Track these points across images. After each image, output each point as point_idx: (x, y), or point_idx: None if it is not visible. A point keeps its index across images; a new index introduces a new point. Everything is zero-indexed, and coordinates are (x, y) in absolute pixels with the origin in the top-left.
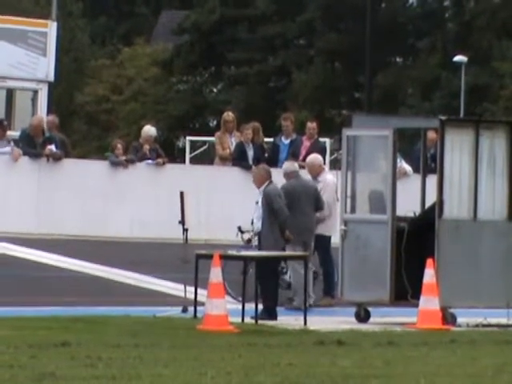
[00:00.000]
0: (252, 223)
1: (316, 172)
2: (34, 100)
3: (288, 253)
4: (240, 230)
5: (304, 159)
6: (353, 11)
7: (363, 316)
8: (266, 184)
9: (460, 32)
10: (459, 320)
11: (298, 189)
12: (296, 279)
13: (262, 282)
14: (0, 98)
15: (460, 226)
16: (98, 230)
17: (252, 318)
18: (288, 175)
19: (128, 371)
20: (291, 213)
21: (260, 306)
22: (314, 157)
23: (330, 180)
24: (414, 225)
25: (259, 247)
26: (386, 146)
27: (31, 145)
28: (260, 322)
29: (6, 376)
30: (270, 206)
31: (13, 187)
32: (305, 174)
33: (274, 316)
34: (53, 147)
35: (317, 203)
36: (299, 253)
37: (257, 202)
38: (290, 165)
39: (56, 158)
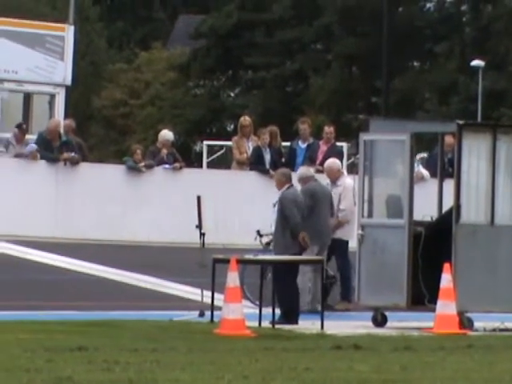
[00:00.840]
0: (271, 226)
1: (335, 176)
2: (51, 104)
3: (304, 257)
4: (259, 233)
5: (321, 164)
6: (370, 15)
7: (380, 320)
8: (285, 187)
9: (477, 36)
10: (476, 325)
11: (319, 192)
12: (303, 283)
13: (280, 286)
14: (18, 102)
15: (477, 230)
16: (115, 234)
17: (270, 322)
18: (303, 180)
19: (145, 375)
20: (312, 215)
21: (277, 311)
22: (332, 161)
23: (349, 184)
24: (431, 229)
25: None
26: (403, 150)
27: (48, 148)
28: (277, 326)
29: (24, 380)
30: (282, 211)
31: (30, 191)
32: (322, 179)
33: (293, 320)
34: (70, 153)
35: (331, 209)
36: (315, 257)
37: (274, 205)
38: (305, 170)
39: (73, 163)
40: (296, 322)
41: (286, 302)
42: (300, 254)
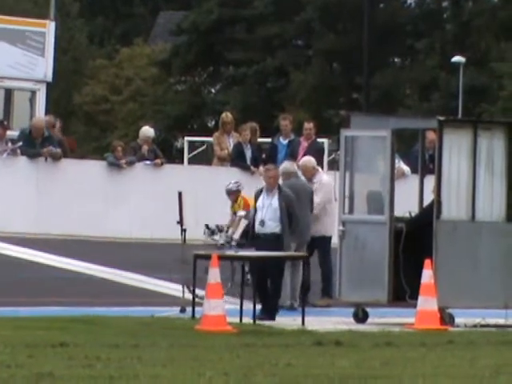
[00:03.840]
0: (262, 224)
1: (310, 174)
2: (32, 100)
3: (287, 253)
4: (207, 227)
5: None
6: (351, 12)
7: (361, 316)
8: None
9: (458, 33)
10: (457, 320)
11: (300, 189)
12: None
13: (272, 281)
14: None
15: (458, 226)
16: (97, 230)
17: (258, 317)
18: (285, 175)
19: (126, 371)
20: None
21: (258, 306)
22: (307, 159)
23: (325, 180)
24: (412, 225)
25: (269, 247)
26: (384, 146)
27: (31, 145)
28: (258, 322)
29: (4, 375)
30: (289, 209)
31: (11, 187)
32: (301, 176)
33: (274, 315)
34: (52, 148)
35: (311, 205)
36: (297, 253)
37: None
38: (289, 165)
39: (55, 158)
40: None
41: (270, 298)
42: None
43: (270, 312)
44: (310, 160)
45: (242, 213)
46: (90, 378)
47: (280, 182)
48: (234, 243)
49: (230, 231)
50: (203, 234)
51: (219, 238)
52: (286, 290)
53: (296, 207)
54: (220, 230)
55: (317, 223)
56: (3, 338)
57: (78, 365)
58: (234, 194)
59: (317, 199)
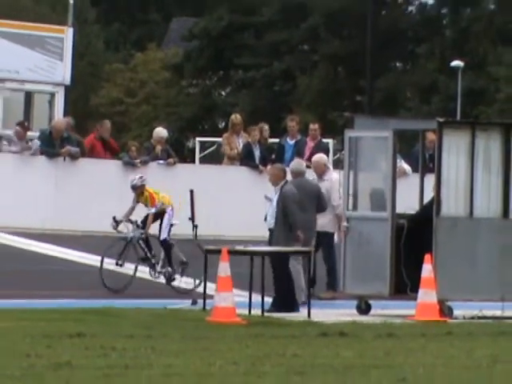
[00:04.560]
0: (265, 219)
1: (321, 171)
2: (51, 102)
3: (292, 248)
4: (115, 219)
5: (308, 159)
6: (354, 18)
7: (364, 308)
8: (282, 183)
9: (457, 38)
10: (456, 312)
11: (307, 188)
12: (294, 275)
13: (280, 275)
14: (19, 101)
15: (457, 223)
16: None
17: (268, 311)
18: (295, 173)
19: (140, 361)
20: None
21: (266, 299)
22: (319, 156)
23: (335, 179)
24: (413, 222)
25: (270, 242)
26: (386, 146)
27: (50, 145)
28: (266, 314)
29: (24, 365)
30: (284, 207)
31: (31, 184)
32: (310, 174)
33: (291, 308)
34: (71, 147)
35: (319, 204)
36: (302, 248)
37: (269, 199)
38: (299, 164)
39: (74, 158)
40: (293, 310)
41: (281, 290)
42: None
43: (281, 305)
44: (322, 157)
45: (152, 210)
46: (107, 367)
47: (289, 179)
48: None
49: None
50: (110, 226)
51: (131, 231)
52: (301, 285)
53: (291, 204)
54: (132, 223)
55: (321, 219)
56: (22, 329)
57: (94, 354)
58: (139, 189)
59: (336, 199)
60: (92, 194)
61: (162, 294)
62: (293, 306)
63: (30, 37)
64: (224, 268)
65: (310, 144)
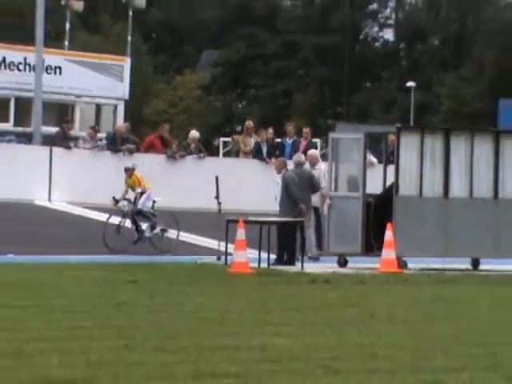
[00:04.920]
0: (275, 199)
1: (313, 162)
2: (114, 112)
3: (289, 219)
4: (114, 199)
5: (303, 154)
6: (336, 51)
7: (343, 263)
8: (284, 171)
9: (411, 66)
10: (410, 265)
11: (302, 173)
12: (307, 236)
13: (283, 239)
14: (91, 111)
15: (410, 200)
16: (158, 203)
17: (272, 264)
18: (296, 164)
19: (177, 300)
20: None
21: (272, 256)
22: (313, 151)
23: (324, 168)
24: (378, 200)
25: (279, 215)
26: (359, 145)
27: (113, 143)
28: (272, 267)
29: (91, 303)
30: (286, 188)
31: (99, 172)
32: (306, 164)
33: (292, 263)
34: (129, 145)
35: (312, 186)
36: (297, 219)
37: (276, 182)
38: (299, 157)
39: (131, 152)
40: (292, 264)
41: (288, 250)
42: (298, 216)
43: (284, 260)
44: (314, 152)
45: (139, 190)
46: (153, 304)
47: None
48: (129, 209)
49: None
50: (111, 203)
51: (125, 206)
52: (312, 243)
53: (293, 186)
54: (127, 200)
55: (312, 198)
56: (92, 277)
57: (144, 296)
58: (130, 171)
59: (323, 182)
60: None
61: (194, 252)
62: (291, 262)
63: (99, 64)
64: (240, 233)
65: (303, 143)
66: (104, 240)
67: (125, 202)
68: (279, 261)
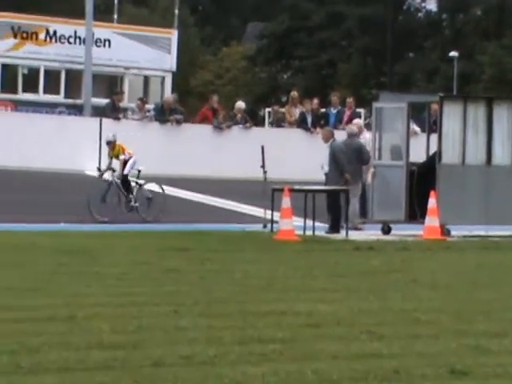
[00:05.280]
0: (322, 168)
1: (358, 131)
2: (162, 84)
3: (335, 187)
4: (99, 169)
5: (346, 123)
6: (379, 21)
7: (386, 230)
8: (331, 140)
9: (453, 35)
10: (453, 233)
11: (348, 146)
12: (351, 206)
13: (331, 207)
14: (140, 83)
15: (453, 168)
16: (205, 171)
17: (326, 231)
18: (349, 135)
19: (225, 267)
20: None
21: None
22: (357, 121)
23: (368, 138)
24: (422, 168)
25: (326, 184)
26: (402, 114)
27: (161, 114)
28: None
29: (143, 269)
30: (334, 157)
31: (148, 142)
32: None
33: (337, 230)
34: (177, 116)
35: (360, 157)
36: (343, 187)
37: (322, 167)
38: (351, 128)
39: (179, 123)
40: (338, 231)
41: (334, 217)
42: (344, 185)
43: (333, 228)
44: (359, 121)
45: (122, 157)
46: (204, 271)
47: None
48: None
49: (119, 170)
50: (96, 174)
51: (108, 176)
52: (356, 212)
53: (340, 155)
54: (111, 170)
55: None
56: (140, 245)
57: (193, 263)
58: (112, 143)
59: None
60: (191, 148)
61: (242, 220)
62: (337, 229)
63: (147, 37)
64: (286, 201)
65: (348, 112)
66: (89, 208)
67: (109, 172)
68: (333, 228)
